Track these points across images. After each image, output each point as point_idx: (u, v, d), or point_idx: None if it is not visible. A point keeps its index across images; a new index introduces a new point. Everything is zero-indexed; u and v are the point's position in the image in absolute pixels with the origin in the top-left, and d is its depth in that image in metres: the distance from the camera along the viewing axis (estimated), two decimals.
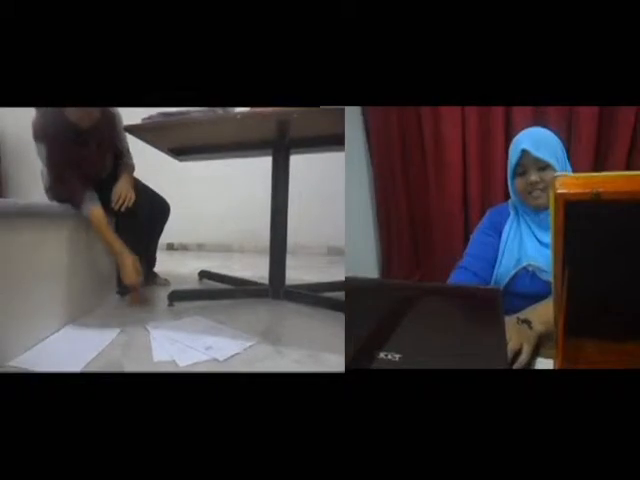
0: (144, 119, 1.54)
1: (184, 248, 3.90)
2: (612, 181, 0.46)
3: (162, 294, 1.68)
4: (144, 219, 1.71)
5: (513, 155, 1.02)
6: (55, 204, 1.40)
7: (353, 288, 0.62)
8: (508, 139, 1.62)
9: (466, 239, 1.19)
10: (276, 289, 1.77)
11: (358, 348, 0.62)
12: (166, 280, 2.00)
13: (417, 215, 1.96)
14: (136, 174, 1.79)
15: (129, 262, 1.31)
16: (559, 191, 0.48)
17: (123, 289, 1.65)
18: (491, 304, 0.53)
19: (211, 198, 3.80)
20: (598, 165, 1.49)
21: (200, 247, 3.94)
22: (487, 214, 1.16)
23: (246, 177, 3.50)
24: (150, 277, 1.94)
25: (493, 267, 1.06)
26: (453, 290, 0.65)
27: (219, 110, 1.45)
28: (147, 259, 1.82)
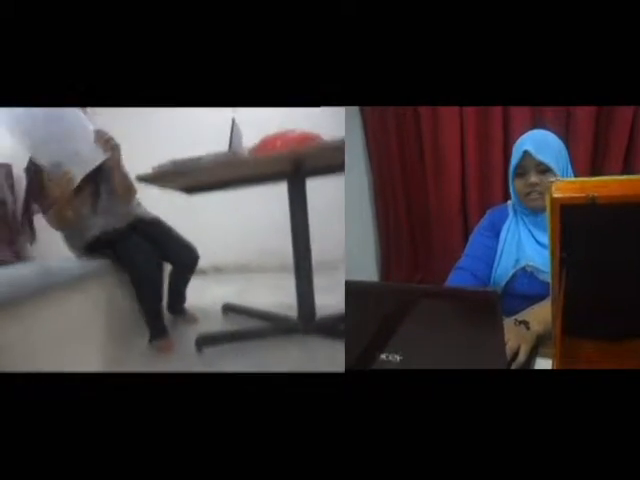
0: (155, 168, 1.51)
1: (202, 272, 3.66)
2: (606, 185, 0.48)
3: (190, 334, 1.65)
4: (175, 267, 1.85)
5: (515, 156, 1.02)
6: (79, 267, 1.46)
7: (353, 292, 0.63)
8: (506, 142, 1.63)
9: (465, 240, 1.20)
10: (307, 323, 1.65)
11: (360, 350, 0.63)
12: (194, 316, 2.01)
13: (416, 218, 1.97)
14: (147, 203, 1.82)
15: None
16: (555, 195, 0.49)
17: (154, 336, 1.64)
18: (490, 306, 0.53)
19: (223, 219, 3.67)
20: (596, 165, 1.51)
21: (217, 270, 3.74)
22: (486, 215, 1.16)
23: (259, 196, 3.28)
24: (180, 313, 2.00)
25: (491, 268, 1.06)
26: (452, 292, 0.66)
27: (229, 153, 1.45)
28: (178, 298, 1.95)
